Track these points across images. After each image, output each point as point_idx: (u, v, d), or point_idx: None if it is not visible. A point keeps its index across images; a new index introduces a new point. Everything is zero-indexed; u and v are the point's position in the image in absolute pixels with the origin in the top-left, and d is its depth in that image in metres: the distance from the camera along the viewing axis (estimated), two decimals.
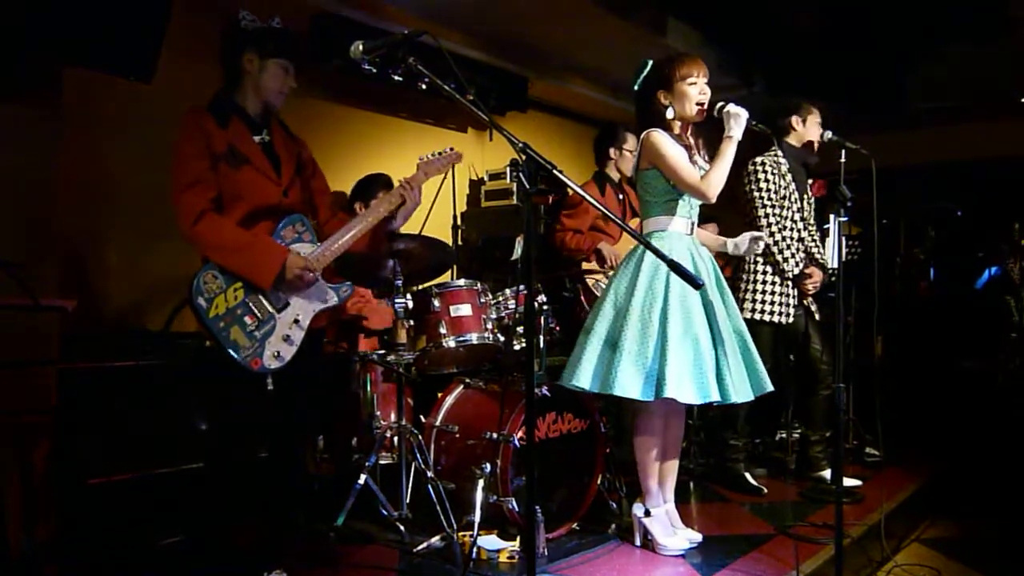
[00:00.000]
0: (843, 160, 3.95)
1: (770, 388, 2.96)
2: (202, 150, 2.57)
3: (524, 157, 2.14)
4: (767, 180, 3.94)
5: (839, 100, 5.74)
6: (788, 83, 5.44)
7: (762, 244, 3.26)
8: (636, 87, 3.04)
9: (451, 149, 3.13)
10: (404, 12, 4.53)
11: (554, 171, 2.11)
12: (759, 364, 2.97)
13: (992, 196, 7.07)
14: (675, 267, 2.09)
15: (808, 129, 4.06)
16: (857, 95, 6.03)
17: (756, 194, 3.92)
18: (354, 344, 3.94)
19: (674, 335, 2.78)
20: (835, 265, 3.90)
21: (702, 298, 2.91)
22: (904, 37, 5.35)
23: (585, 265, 4.55)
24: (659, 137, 2.94)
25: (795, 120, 4.06)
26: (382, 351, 3.68)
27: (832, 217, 4.09)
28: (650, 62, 3.02)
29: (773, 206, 3.93)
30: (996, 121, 6.87)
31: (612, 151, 4.49)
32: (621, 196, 4.52)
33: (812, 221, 4.15)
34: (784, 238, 3.93)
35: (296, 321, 2.69)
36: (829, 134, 3.80)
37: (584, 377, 2.85)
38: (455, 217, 5.32)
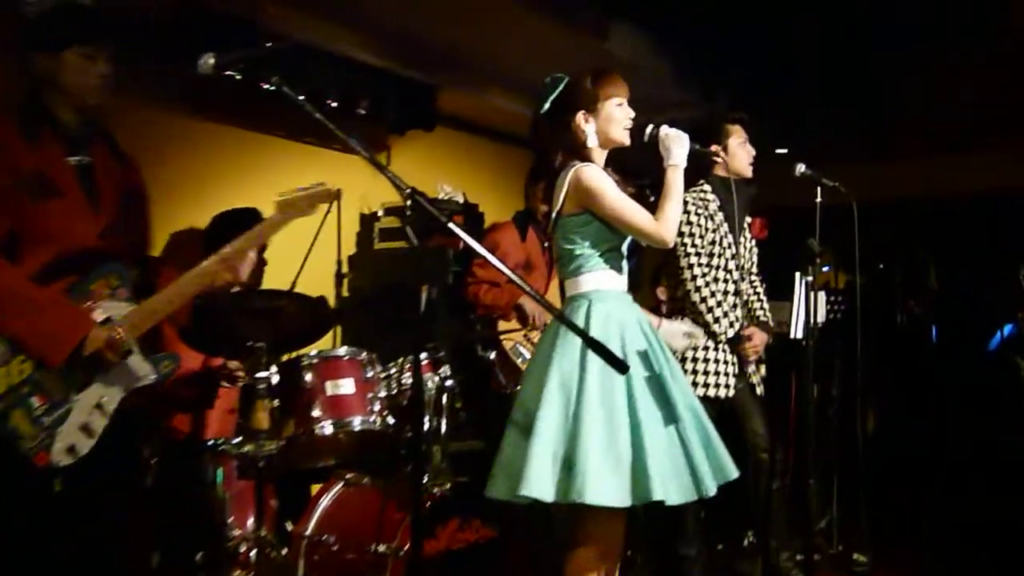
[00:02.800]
0: (819, 199, 4.11)
1: (735, 474, 3.00)
2: None
3: (411, 204, 2.23)
4: (690, 223, 4.01)
5: (820, 119, 6.10)
6: (757, 98, 5.52)
7: (693, 342, 3.28)
8: (544, 109, 3.07)
9: (320, 184, 3.11)
10: (288, 8, 4.63)
11: (449, 224, 2.18)
12: (718, 444, 3.01)
13: (1006, 236, 7.29)
14: (595, 347, 2.09)
15: (733, 153, 4.10)
16: (841, 113, 6.30)
17: (677, 241, 3.91)
18: (199, 426, 3.86)
19: (648, 421, 2.79)
20: (799, 334, 3.96)
21: (658, 372, 2.91)
22: (899, 41, 5.57)
23: (503, 325, 4.59)
24: (593, 173, 2.97)
25: (715, 150, 4.04)
26: (237, 438, 3.60)
27: (798, 278, 4.12)
28: (565, 78, 3.07)
29: (699, 254, 4.01)
30: (1010, 147, 7.04)
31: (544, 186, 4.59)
32: (548, 244, 4.62)
33: (753, 269, 4.25)
34: (714, 293, 4.00)
35: (99, 406, 2.62)
36: (802, 168, 4.02)
37: (541, 485, 2.72)
38: (340, 262, 5.29)
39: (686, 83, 5.83)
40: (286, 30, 4.63)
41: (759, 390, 4.13)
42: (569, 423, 2.79)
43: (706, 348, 3.97)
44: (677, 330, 3.27)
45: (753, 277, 4.26)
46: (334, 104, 5.16)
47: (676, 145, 3.01)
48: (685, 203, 3.98)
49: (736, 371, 4.03)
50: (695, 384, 3.93)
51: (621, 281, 3.04)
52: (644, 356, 2.89)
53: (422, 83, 5.72)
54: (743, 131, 4.15)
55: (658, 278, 5.73)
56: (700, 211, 4.04)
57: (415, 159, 6.22)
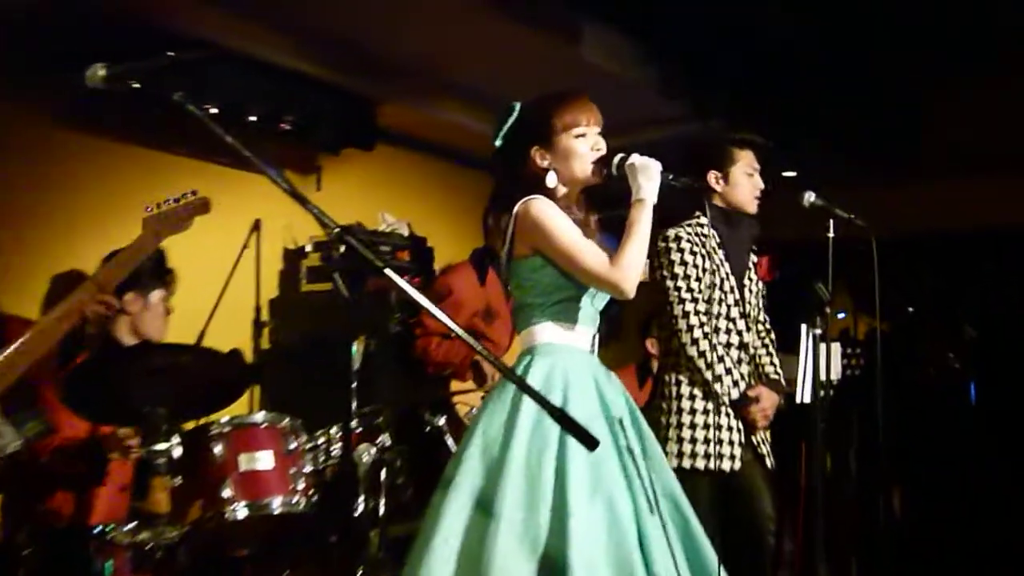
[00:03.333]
0: (831, 234, 4.13)
1: None
2: None
3: (340, 245, 2.22)
4: (685, 263, 4.02)
5: (832, 137, 6.09)
6: (758, 112, 5.62)
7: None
8: (499, 142, 3.11)
9: (193, 193, 3.06)
10: (200, 5, 4.66)
11: (385, 269, 2.17)
12: (701, 540, 2.99)
13: None
14: (560, 418, 2.08)
15: (736, 183, 4.13)
16: (858, 130, 6.31)
17: (670, 284, 4.00)
18: (84, 509, 3.82)
19: (578, 498, 2.76)
20: (804, 397, 3.96)
21: (615, 443, 2.90)
22: (925, 47, 5.58)
23: (457, 385, 4.61)
24: (543, 207, 2.99)
25: (712, 176, 4.10)
26: (131, 524, 3.53)
27: (804, 331, 4.12)
28: (516, 106, 3.10)
29: (695, 299, 4.01)
30: None
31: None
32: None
33: (761, 316, 4.24)
34: (714, 346, 4.00)
35: None
36: (812, 197, 4.00)
37: (440, 566, 2.74)
38: (258, 308, 5.32)
39: (673, 95, 5.86)
40: (197, 32, 4.65)
41: (769, 462, 4.12)
42: (485, 492, 2.82)
43: (705, 412, 3.98)
44: None
45: (760, 326, 4.25)
46: (253, 118, 5.25)
47: (644, 176, 2.98)
48: (679, 239, 4.02)
49: (741, 440, 4.02)
50: (693, 455, 3.94)
51: (581, 336, 3.04)
52: (593, 422, 2.86)
53: (360, 94, 5.74)
54: (754, 158, 4.15)
55: (649, 329, 5.75)
56: (697, 248, 4.03)
57: (351, 184, 6.26)
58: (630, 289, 2.95)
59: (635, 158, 2.99)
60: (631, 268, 2.94)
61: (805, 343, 4.16)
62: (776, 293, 4.45)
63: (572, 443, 2.78)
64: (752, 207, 4.13)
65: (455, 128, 6.25)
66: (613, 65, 5.43)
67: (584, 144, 3.03)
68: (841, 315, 6.76)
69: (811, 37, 5.48)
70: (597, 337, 3.09)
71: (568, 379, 2.91)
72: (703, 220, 4.09)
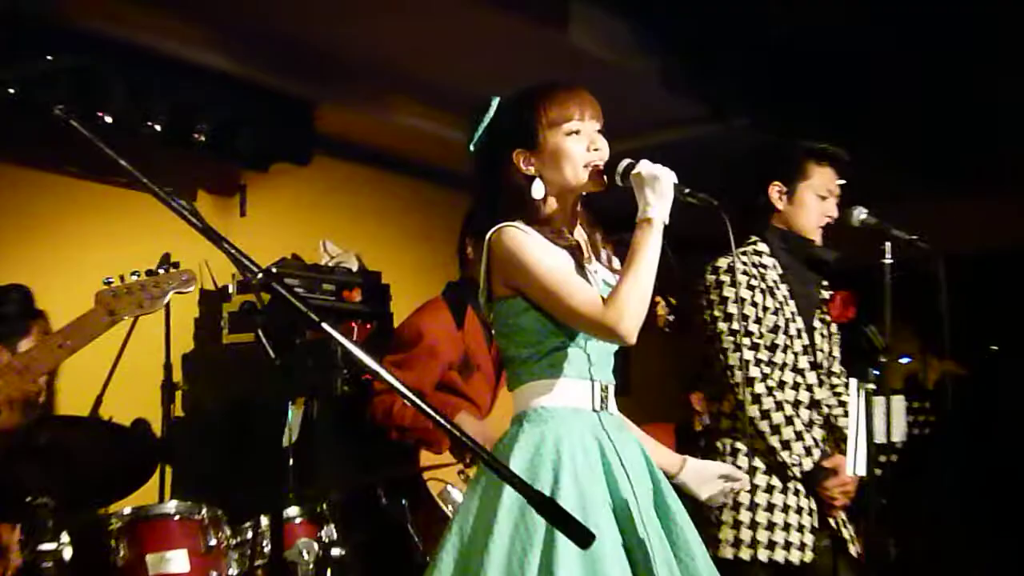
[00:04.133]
0: (888, 259, 4.13)
1: None
2: None
3: (264, 292, 2.31)
4: (741, 300, 4.01)
5: (887, 144, 6.11)
6: (790, 112, 5.67)
7: (730, 489, 3.24)
8: (473, 145, 3.12)
9: (172, 265, 3.16)
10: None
11: (322, 324, 2.18)
12: None
13: None
14: (544, 508, 2.11)
15: (802, 203, 4.15)
16: (918, 130, 6.35)
17: (723, 327, 3.99)
18: None
19: None
20: (859, 470, 3.96)
21: (624, 533, 2.86)
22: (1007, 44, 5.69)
23: (428, 458, 4.56)
24: (515, 236, 2.97)
25: (775, 191, 4.11)
26: None
27: (854, 387, 4.00)
28: (494, 101, 3.10)
29: (755, 346, 4.02)
30: None
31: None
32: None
33: (835, 367, 4.25)
34: (780, 405, 3.99)
35: None
36: (862, 214, 4.02)
37: None
38: (169, 366, 5.25)
39: (683, 88, 5.88)
40: (86, 24, 4.68)
41: (853, 549, 4.08)
42: None
43: (769, 489, 3.96)
44: (712, 472, 3.22)
45: (835, 379, 4.24)
46: (157, 128, 5.27)
47: (653, 190, 2.93)
48: (733, 270, 4.00)
49: (815, 523, 3.98)
50: (753, 544, 3.91)
51: (581, 391, 3.01)
52: (592, 508, 2.85)
53: (293, 95, 5.77)
54: (833, 177, 4.14)
55: (696, 383, 5.73)
56: (755, 282, 4.03)
57: (284, 206, 6.36)
58: (628, 333, 2.88)
59: (643, 166, 2.93)
60: (630, 306, 2.88)
61: (856, 402, 4.00)
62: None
63: (563, 539, 2.74)
64: (815, 236, 4.13)
65: (415, 134, 6.23)
66: (607, 51, 5.47)
67: (578, 143, 3.00)
68: (904, 360, 6.71)
69: (860, 19, 5.54)
70: (610, 386, 3.07)
71: (560, 455, 2.88)
72: (761, 247, 4.11)
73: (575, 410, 2.98)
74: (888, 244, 4.04)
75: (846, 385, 4.13)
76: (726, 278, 3.99)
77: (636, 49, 5.58)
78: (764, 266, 4.08)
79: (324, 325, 2.16)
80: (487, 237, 3.00)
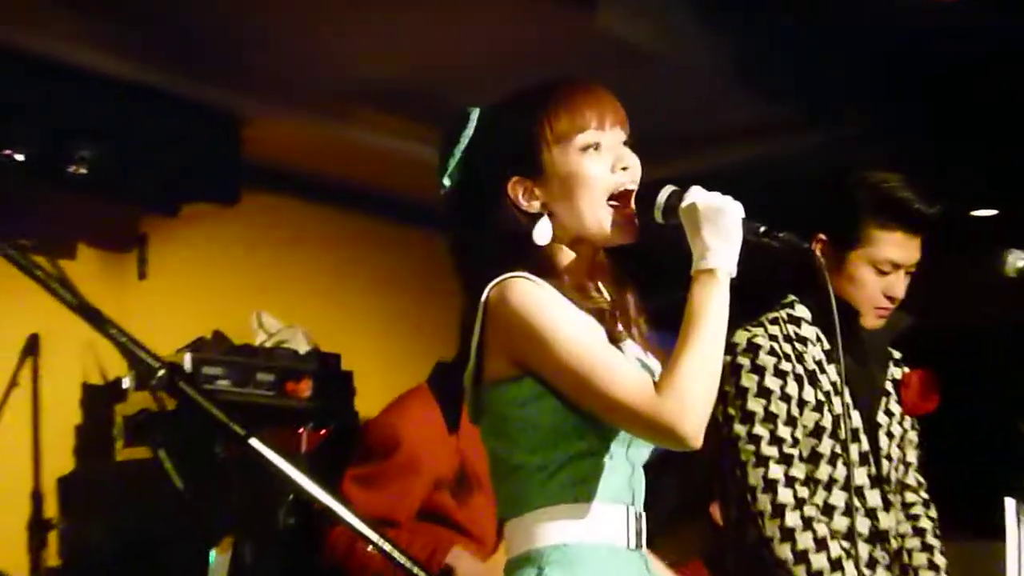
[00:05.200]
0: None
1: None
2: None
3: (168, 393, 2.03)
4: (767, 392, 3.68)
5: None
6: (910, 119, 5.42)
7: None
8: (446, 176, 2.80)
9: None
10: None
11: (250, 440, 2.00)
12: None
13: None
14: None
15: (854, 278, 3.75)
16: None
17: (741, 430, 3.69)
18: None
19: None
20: None
21: None
22: None
23: None
24: (531, 292, 2.68)
25: (819, 247, 3.70)
26: None
27: (1010, 507, 3.89)
28: (472, 113, 2.81)
29: (786, 457, 3.67)
30: None
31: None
32: None
33: (910, 478, 3.96)
34: (823, 542, 3.62)
35: None
36: (1020, 259, 3.64)
37: None
38: (38, 494, 5.14)
39: (766, 88, 5.67)
40: None
41: None
42: None
43: None
44: None
45: (911, 494, 3.91)
46: (18, 157, 4.97)
47: (712, 229, 2.64)
48: (756, 349, 3.72)
49: None
50: None
51: (613, 521, 2.72)
52: None
53: (213, 109, 5.57)
54: (904, 244, 3.72)
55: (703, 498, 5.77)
56: (788, 365, 3.70)
57: (199, 265, 6.11)
58: (694, 433, 2.58)
59: (696, 195, 2.63)
60: (693, 393, 2.60)
61: (1013, 523, 3.96)
62: (942, 432, 4.11)
63: None
64: (870, 319, 3.77)
65: (382, 156, 6.03)
66: (651, 39, 5.24)
67: (598, 163, 2.70)
68: None
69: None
70: (643, 516, 2.79)
71: None
72: (799, 310, 3.79)
73: (611, 550, 2.75)
74: None
75: (926, 504, 3.98)
76: (746, 361, 3.76)
77: (687, 33, 5.39)
78: (804, 339, 3.81)
79: (253, 441, 2.01)
80: (485, 295, 2.74)
